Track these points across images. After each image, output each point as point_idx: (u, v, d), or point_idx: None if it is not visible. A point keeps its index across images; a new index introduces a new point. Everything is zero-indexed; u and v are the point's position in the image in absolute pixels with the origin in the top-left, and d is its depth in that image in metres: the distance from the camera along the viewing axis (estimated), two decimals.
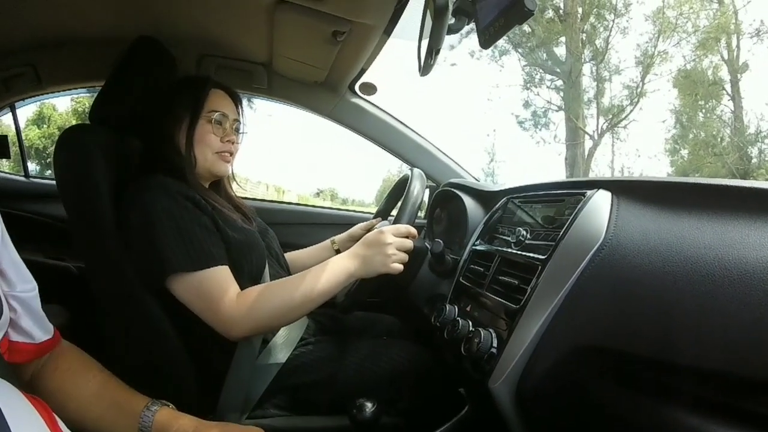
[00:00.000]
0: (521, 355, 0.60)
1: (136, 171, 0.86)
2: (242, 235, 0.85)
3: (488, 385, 0.63)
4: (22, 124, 1.63)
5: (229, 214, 0.87)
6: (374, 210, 1.36)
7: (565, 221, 0.66)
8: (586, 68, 9.81)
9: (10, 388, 0.40)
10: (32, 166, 3.65)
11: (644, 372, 0.49)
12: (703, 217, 0.51)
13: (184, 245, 0.74)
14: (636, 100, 9.40)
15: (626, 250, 0.54)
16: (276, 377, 0.84)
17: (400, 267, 0.81)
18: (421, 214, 1.45)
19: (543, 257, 0.65)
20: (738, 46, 8.74)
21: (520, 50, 10.00)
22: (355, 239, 1.05)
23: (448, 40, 0.71)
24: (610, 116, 9.65)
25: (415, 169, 1.00)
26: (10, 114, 1.55)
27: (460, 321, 0.76)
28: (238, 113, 0.94)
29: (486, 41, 0.61)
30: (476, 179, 1.51)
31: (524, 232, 0.76)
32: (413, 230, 0.86)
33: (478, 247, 0.90)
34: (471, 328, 0.73)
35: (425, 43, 0.73)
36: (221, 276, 0.77)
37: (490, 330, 0.68)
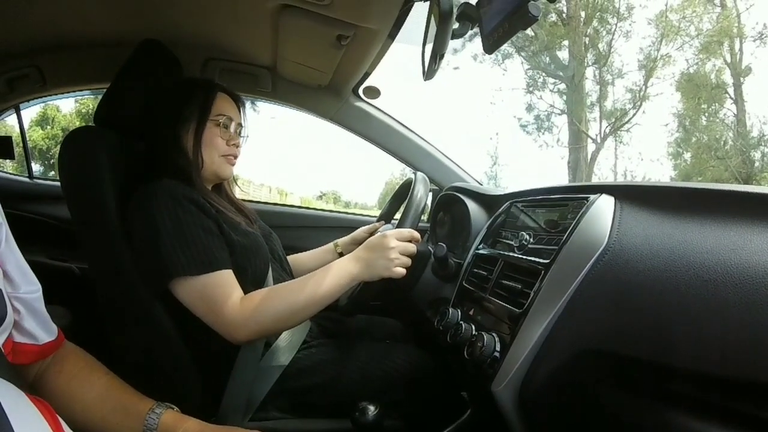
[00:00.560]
0: (524, 359, 0.59)
1: (141, 173, 0.86)
2: (246, 239, 0.85)
3: (491, 389, 0.63)
4: (26, 126, 1.64)
5: (233, 218, 0.87)
6: (377, 213, 1.36)
7: (569, 226, 0.66)
8: (589, 72, 9.84)
9: (14, 390, 0.40)
10: (36, 167, 3.67)
11: (646, 376, 0.49)
12: (706, 222, 0.51)
13: (188, 249, 0.75)
14: (639, 103, 9.41)
15: (629, 255, 0.54)
16: (278, 380, 0.84)
17: (403, 271, 0.80)
18: (425, 217, 1.45)
19: (546, 261, 0.65)
20: (741, 50, 8.75)
21: (523, 54, 10.02)
22: (358, 242, 1.05)
23: (452, 43, 0.71)
24: (613, 120, 9.65)
25: (419, 173, 1.00)
26: (15, 115, 1.55)
27: (463, 325, 0.76)
28: (241, 117, 0.95)
29: (490, 46, 0.61)
30: (479, 183, 1.51)
31: (527, 237, 0.76)
32: (416, 234, 0.85)
33: (481, 251, 0.90)
34: (474, 332, 0.73)
35: (429, 47, 0.73)
36: (225, 280, 0.77)
37: (493, 334, 0.68)
